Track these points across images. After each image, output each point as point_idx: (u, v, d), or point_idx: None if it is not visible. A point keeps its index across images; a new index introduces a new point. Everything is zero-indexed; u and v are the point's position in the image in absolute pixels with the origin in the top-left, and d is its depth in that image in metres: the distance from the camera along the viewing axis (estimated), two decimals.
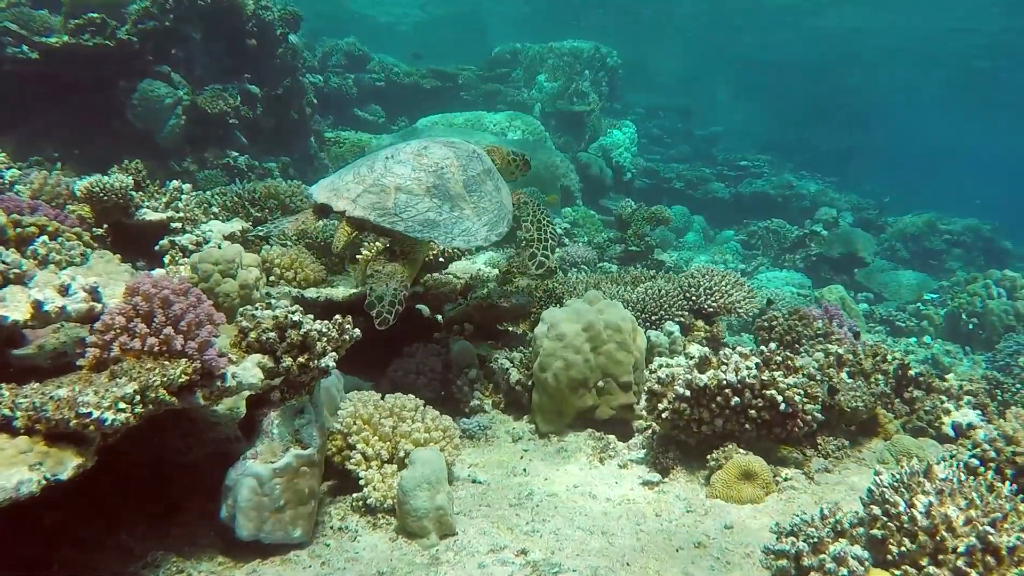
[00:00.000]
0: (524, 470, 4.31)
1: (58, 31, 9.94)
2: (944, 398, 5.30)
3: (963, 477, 3.26)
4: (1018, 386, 7.18)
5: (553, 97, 21.15)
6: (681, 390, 4.12)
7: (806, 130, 36.12)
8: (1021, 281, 12.46)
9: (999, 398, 7.03)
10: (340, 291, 5.79)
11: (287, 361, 3.36)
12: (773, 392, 4.07)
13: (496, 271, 6.10)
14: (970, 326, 12.30)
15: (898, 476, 3.17)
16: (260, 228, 5.26)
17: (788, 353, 4.39)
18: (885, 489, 3.13)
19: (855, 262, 16.15)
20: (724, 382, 4.07)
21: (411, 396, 4.26)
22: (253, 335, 3.40)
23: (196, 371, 3.11)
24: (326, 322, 3.53)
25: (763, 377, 4.11)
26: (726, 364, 4.21)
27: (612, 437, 4.69)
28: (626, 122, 22.27)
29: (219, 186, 11.65)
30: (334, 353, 3.50)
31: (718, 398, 4.10)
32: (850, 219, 18.99)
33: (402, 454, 3.88)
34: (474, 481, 4.21)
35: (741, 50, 39.34)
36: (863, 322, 12.62)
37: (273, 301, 3.84)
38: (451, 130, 16.28)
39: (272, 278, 5.79)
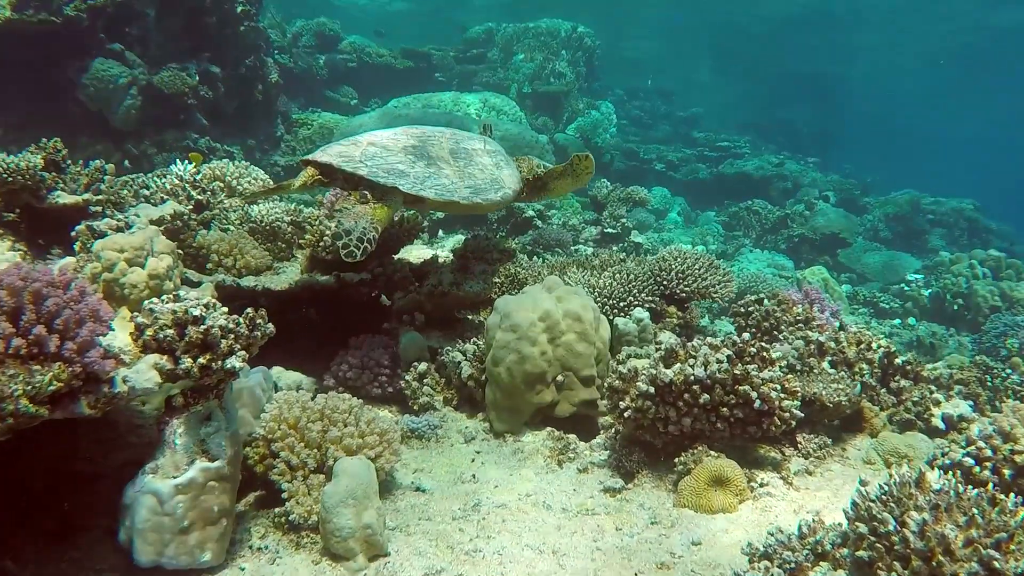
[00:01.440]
0: (474, 476, 3.89)
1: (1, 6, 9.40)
2: (933, 388, 4.91)
3: (960, 488, 2.86)
4: (1008, 371, 6.83)
5: (530, 77, 20.65)
6: (644, 387, 3.70)
7: (787, 111, 35.75)
8: (1007, 261, 12.12)
9: (989, 384, 6.67)
10: (283, 279, 5.33)
11: (186, 362, 2.91)
12: (747, 388, 3.66)
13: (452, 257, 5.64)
14: (955, 307, 11.96)
15: (886, 488, 2.75)
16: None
17: (764, 343, 3.97)
18: (872, 504, 2.72)
19: (838, 243, 15.81)
20: (692, 377, 3.65)
21: (345, 396, 3.82)
22: (149, 332, 2.95)
23: (75, 376, 2.67)
24: (235, 317, 3.09)
25: (736, 371, 3.69)
26: (694, 357, 3.78)
27: (573, 437, 4.28)
28: (605, 102, 21.83)
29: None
30: (243, 352, 3.05)
31: (685, 395, 3.68)
32: (833, 199, 18.60)
33: (331, 462, 3.45)
34: (418, 489, 3.79)
35: (719, 26, 38.80)
36: (846, 304, 12.26)
37: (184, 292, 3.39)
38: (425, 112, 15.76)
39: (210, 265, 5.34)
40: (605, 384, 4.04)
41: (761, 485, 3.63)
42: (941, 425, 4.71)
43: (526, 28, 21.89)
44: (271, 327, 3.17)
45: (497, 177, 4.93)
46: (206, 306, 3.13)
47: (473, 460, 4.12)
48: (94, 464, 3.45)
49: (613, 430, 4.10)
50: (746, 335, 4.01)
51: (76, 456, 3.40)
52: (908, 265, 15.20)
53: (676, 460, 3.71)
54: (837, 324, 5.83)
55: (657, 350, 4.02)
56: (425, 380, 4.68)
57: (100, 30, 10.66)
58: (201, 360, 2.92)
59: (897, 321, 12.13)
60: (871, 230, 18.31)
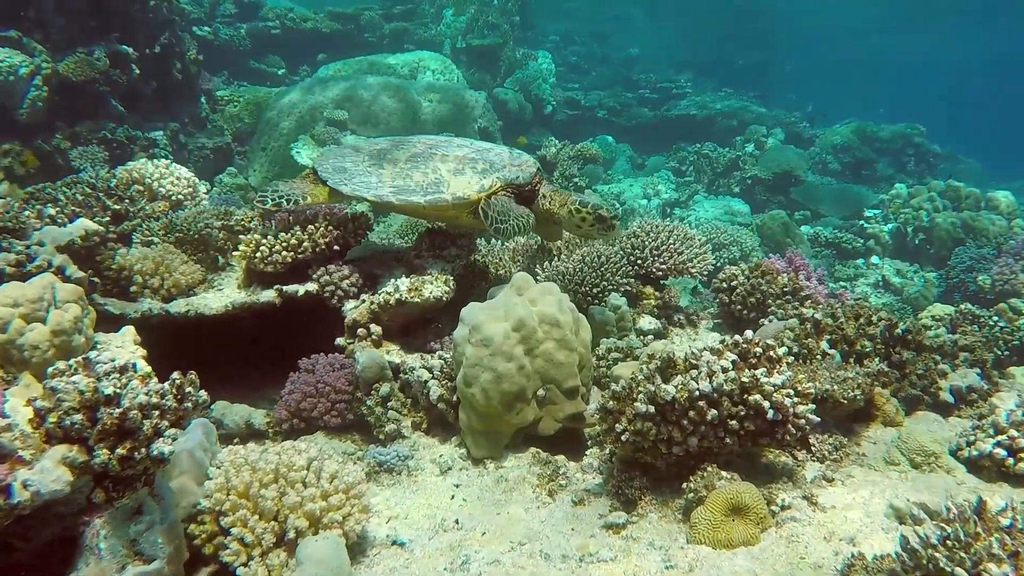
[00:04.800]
0: (457, 522, 3.42)
1: None
2: (937, 357, 4.54)
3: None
4: (995, 318, 6.55)
5: (462, 31, 19.86)
6: (643, 407, 3.25)
7: (724, 45, 35.28)
8: (965, 191, 11.92)
9: (978, 333, 6.38)
10: (219, 298, 4.77)
11: (102, 454, 2.38)
12: (757, 397, 3.23)
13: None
14: (917, 241, 11.76)
15: (948, 532, 2.34)
16: (269, 198, 4.77)
17: (769, 341, 3.54)
18: (934, 551, 2.31)
19: (790, 180, 15.54)
20: (697, 392, 3.21)
21: (302, 447, 3.32)
22: (52, 419, 2.41)
23: None
24: (160, 387, 2.55)
25: (743, 379, 3.25)
26: (696, 367, 3.34)
27: (561, 458, 3.83)
28: (542, 52, 21.17)
29: (97, 163, 10.46)
30: (173, 430, 2.52)
31: (691, 412, 3.24)
32: (781, 135, 18.30)
33: (292, 534, 2.96)
34: (395, 543, 3.31)
35: None
36: (807, 247, 11.99)
37: (96, 353, 2.83)
38: (354, 78, 14.99)
39: (134, 288, 4.75)
40: (597, 405, 3.58)
41: (783, 508, 3.21)
42: (950, 399, 4.37)
43: None
44: (204, 394, 2.64)
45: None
46: (123, 370, 2.59)
47: (453, 497, 3.65)
48: (15, 544, 2.91)
49: (608, 449, 3.65)
50: (748, 333, 3.57)
51: None
52: (863, 198, 15.00)
53: (685, 485, 3.28)
54: (823, 289, 5.47)
55: (651, 359, 3.56)
56: (389, 403, 4.18)
57: None
58: (120, 451, 2.39)
59: (860, 260, 11.89)
60: (819, 163, 18.10)
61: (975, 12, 39.72)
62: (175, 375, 2.62)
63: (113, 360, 2.69)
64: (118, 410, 2.37)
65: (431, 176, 4.65)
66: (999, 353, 6.18)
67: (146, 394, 2.48)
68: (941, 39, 46.18)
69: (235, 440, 4.29)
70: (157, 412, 2.48)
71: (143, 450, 2.41)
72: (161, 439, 2.46)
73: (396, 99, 13.72)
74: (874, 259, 11.86)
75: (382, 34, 20.04)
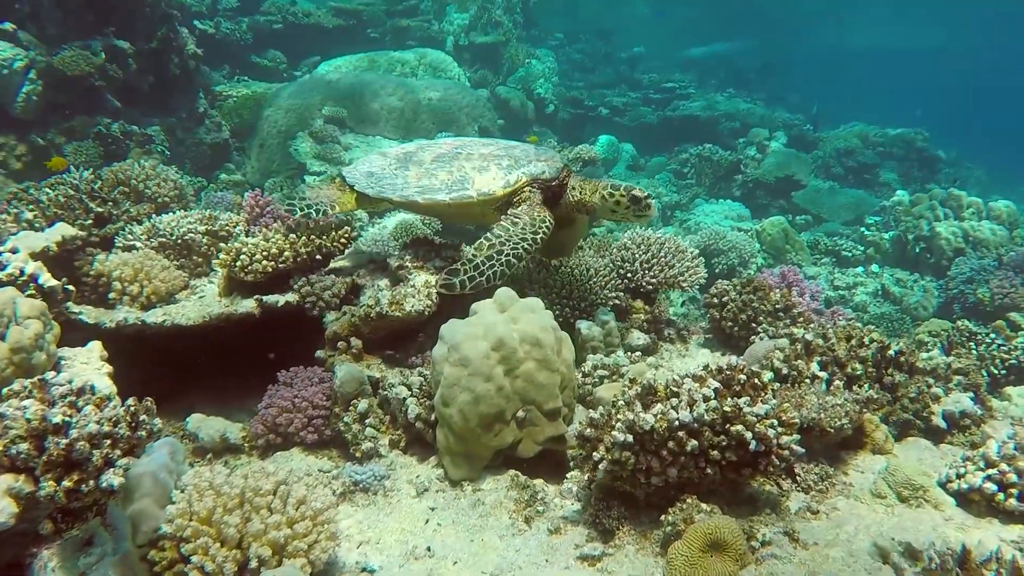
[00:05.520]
0: (429, 549, 3.32)
1: None
2: (930, 380, 4.44)
3: (1011, 555, 2.37)
4: (992, 335, 6.45)
5: (465, 28, 19.74)
6: (621, 436, 3.15)
7: (730, 44, 35.13)
8: (967, 200, 11.78)
9: (975, 352, 6.29)
10: (197, 307, 4.67)
11: (47, 486, 2.28)
12: (740, 428, 3.13)
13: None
14: (917, 250, 11.64)
15: None
16: (297, 207, 4.89)
17: (754, 368, 3.44)
18: None
19: (792, 185, 15.45)
20: (677, 423, 3.11)
21: (271, 469, 3.22)
22: None
23: None
24: (113, 414, 2.46)
25: (725, 408, 3.15)
26: (677, 395, 3.24)
27: (539, 483, 3.73)
28: (545, 50, 21.06)
29: (92, 159, 10.38)
30: (126, 460, 2.43)
31: (670, 443, 3.14)
32: (784, 139, 18.18)
33: (255, 563, 2.86)
34: (364, 570, 3.22)
35: None
36: (807, 254, 11.89)
37: (53, 375, 2.73)
38: (354, 75, 14.89)
39: (112, 295, 4.67)
40: (575, 432, 3.48)
41: (763, 544, 3.11)
42: (943, 424, 4.27)
43: None
44: (158, 423, 2.55)
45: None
46: (80, 393, 2.50)
47: (427, 521, 3.55)
48: None
49: (587, 476, 3.55)
50: (733, 359, 3.47)
51: None
52: (865, 204, 14.88)
53: (663, 517, 3.18)
54: (817, 306, 5.37)
55: (632, 385, 3.46)
56: (368, 420, 4.08)
57: None
58: (66, 482, 2.30)
59: (860, 268, 11.78)
60: (823, 167, 17.97)
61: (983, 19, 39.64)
62: (130, 401, 2.53)
63: (71, 382, 2.61)
64: (65, 441, 2.28)
65: (456, 174, 4.67)
66: (996, 372, 6.08)
67: (98, 422, 2.39)
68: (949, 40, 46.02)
69: (209, 456, 4.21)
70: (109, 441, 2.39)
71: (91, 482, 2.32)
72: (112, 470, 2.37)
73: (396, 97, 13.63)
74: (874, 267, 11.75)
75: (384, 30, 19.89)
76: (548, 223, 4.52)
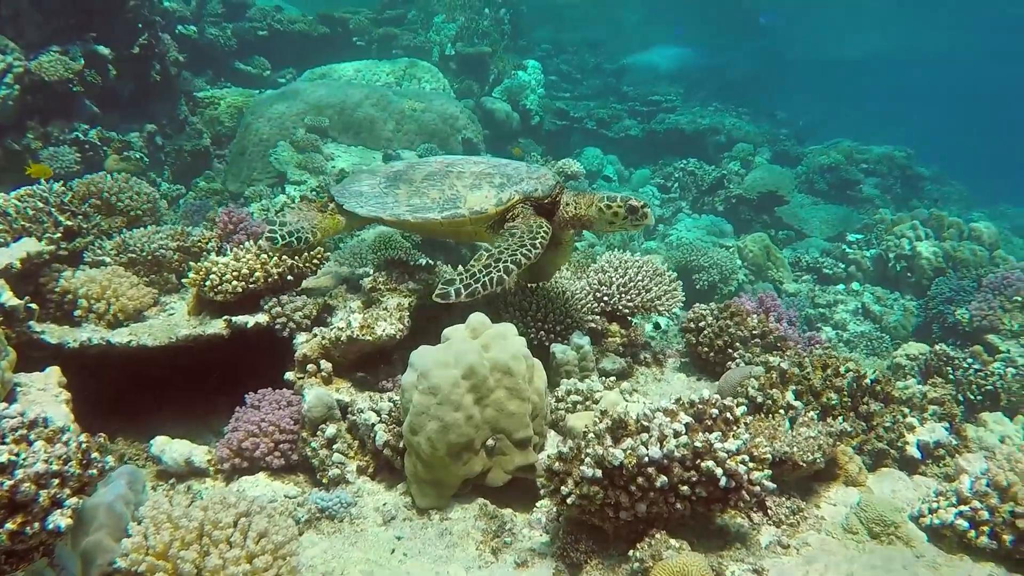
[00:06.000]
0: None
1: None
2: (906, 410, 4.41)
3: None
4: (970, 360, 6.45)
5: (452, 39, 19.72)
6: (590, 471, 3.09)
7: (717, 58, 35.25)
8: (949, 220, 11.83)
9: (952, 377, 6.29)
10: (165, 326, 4.59)
11: None
12: (710, 464, 3.08)
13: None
14: (898, 268, 11.67)
15: None
16: (279, 235, 4.70)
17: (726, 402, 3.40)
18: None
19: (775, 200, 15.46)
20: (646, 458, 3.06)
21: (232, 500, 3.15)
22: None
23: None
24: (63, 451, 2.38)
25: (696, 444, 3.11)
26: (647, 430, 3.19)
27: (508, 512, 3.67)
28: (530, 61, 21.01)
29: (69, 165, 10.27)
30: (75, 500, 2.36)
31: (639, 479, 3.09)
32: (768, 154, 18.24)
33: None
34: None
35: None
36: (788, 271, 11.89)
37: (5, 407, 2.65)
38: (338, 84, 14.82)
39: (78, 313, 4.59)
40: (544, 464, 3.42)
41: None
42: (917, 454, 4.23)
43: None
44: (110, 460, 2.48)
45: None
46: (32, 426, 2.43)
47: (394, 551, 3.49)
48: None
49: (555, 508, 3.49)
50: (705, 392, 3.43)
51: None
52: (847, 220, 14.94)
53: (631, 553, 3.12)
54: (794, 332, 5.33)
55: (603, 417, 3.41)
56: (336, 446, 4.02)
57: None
58: (10, 525, 2.22)
59: (841, 286, 11.80)
60: (806, 182, 18.03)
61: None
62: (82, 437, 2.45)
63: (23, 414, 2.54)
64: (9, 482, 2.20)
65: (447, 192, 4.61)
66: (972, 397, 6.08)
67: (46, 460, 2.31)
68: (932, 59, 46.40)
69: (172, 480, 4.13)
70: (57, 481, 2.32)
71: (36, 524, 2.24)
72: (60, 510, 2.30)
73: (379, 107, 13.57)
74: (855, 285, 11.77)
75: (371, 39, 19.87)
76: (546, 229, 4.47)
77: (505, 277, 4.24)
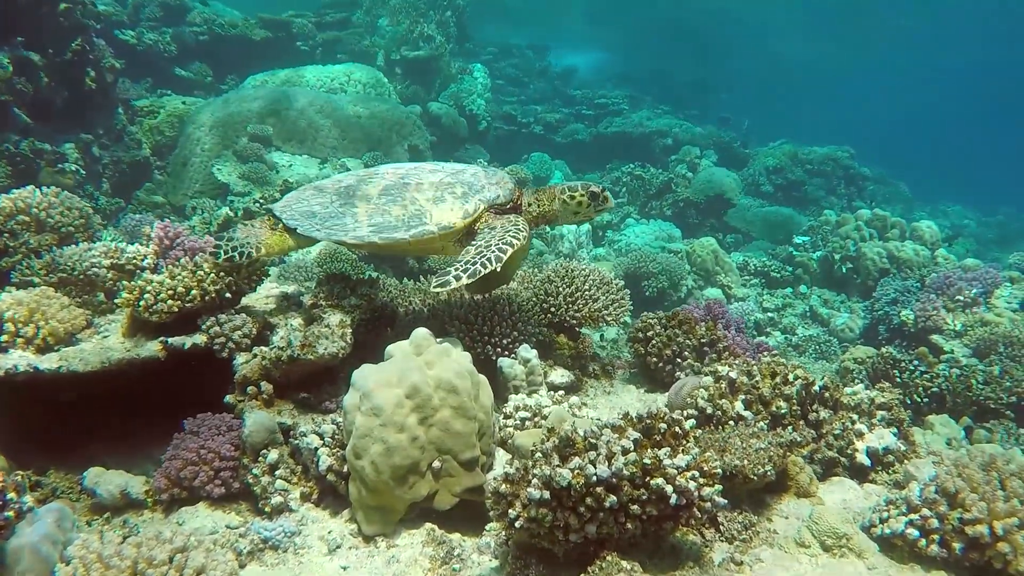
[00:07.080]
0: None
1: None
2: (855, 416, 4.42)
3: None
4: (915, 363, 6.51)
5: (397, 42, 19.53)
6: (537, 493, 3.01)
7: (663, 61, 35.57)
8: (891, 220, 12.00)
9: (899, 379, 6.34)
10: (98, 351, 4.40)
11: None
12: (660, 482, 3.02)
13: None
14: (844, 270, 11.81)
15: None
16: (222, 249, 4.47)
17: (675, 415, 3.34)
18: None
19: (723, 204, 15.60)
20: (594, 478, 2.98)
21: (168, 535, 3.01)
22: None
23: None
24: None
25: (645, 461, 3.04)
26: (595, 448, 3.12)
27: (457, 537, 3.58)
28: (476, 65, 20.96)
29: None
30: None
31: (588, 499, 3.02)
32: (714, 156, 18.38)
33: None
34: None
35: None
36: (736, 275, 11.96)
37: None
38: (281, 91, 14.58)
39: (4, 338, 4.37)
40: (490, 486, 3.33)
41: None
42: (867, 461, 4.23)
43: None
44: (28, 501, 2.34)
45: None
46: None
47: None
48: None
49: (504, 533, 3.41)
50: (654, 407, 3.37)
51: None
52: (793, 222, 15.10)
53: None
54: (741, 339, 5.32)
55: (550, 436, 3.33)
56: (278, 472, 3.88)
57: None
58: None
59: (789, 289, 11.91)
60: (752, 184, 18.22)
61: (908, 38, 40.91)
62: (16, 476, 2.30)
63: None
64: None
65: (411, 208, 4.40)
66: (919, 400, 6.13)
67: None
68: (875, 62, 47.40)
69: (107, 514, 3.95)
70: None
71: None
72: None
73: (324, 114, 13.37)
74: (802, 288, 11.88)
75: (315, 43, 19.61)
76: (523, 222, 4.44)
77: (502, 257, 4.14)
